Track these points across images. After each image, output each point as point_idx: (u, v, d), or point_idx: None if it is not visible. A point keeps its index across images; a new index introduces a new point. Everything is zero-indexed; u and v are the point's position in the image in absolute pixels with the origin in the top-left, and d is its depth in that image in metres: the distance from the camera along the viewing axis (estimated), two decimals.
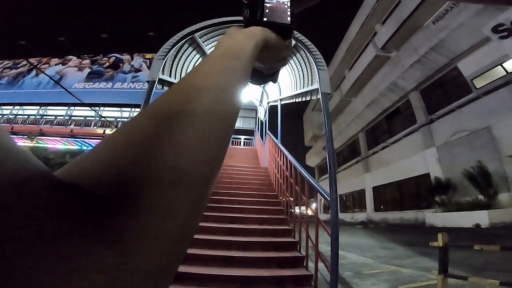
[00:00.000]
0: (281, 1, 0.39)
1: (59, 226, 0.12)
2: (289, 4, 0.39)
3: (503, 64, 10.44)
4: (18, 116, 20.63)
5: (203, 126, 0.19)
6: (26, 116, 20.47)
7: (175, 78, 4.70)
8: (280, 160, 5.20)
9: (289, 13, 0.38)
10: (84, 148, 17.78)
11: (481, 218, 9.02)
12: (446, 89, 13.30)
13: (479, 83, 11.36)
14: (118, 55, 23.09)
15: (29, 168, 0.13)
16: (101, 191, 0.14)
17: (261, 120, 10.91)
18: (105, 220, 0.13)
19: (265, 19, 0.37)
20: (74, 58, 23.57)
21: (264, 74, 0.43)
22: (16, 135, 15.85)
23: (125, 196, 0.14)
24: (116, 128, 0.17)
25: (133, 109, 18.82)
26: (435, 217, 11.42)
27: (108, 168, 0.15)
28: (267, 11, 0.38)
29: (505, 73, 10.37)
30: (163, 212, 0.15)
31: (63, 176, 0.15)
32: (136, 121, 0.19)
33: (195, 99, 0.21)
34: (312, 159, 31.99)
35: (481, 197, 9.73)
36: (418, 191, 14.31)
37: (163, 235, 0.15)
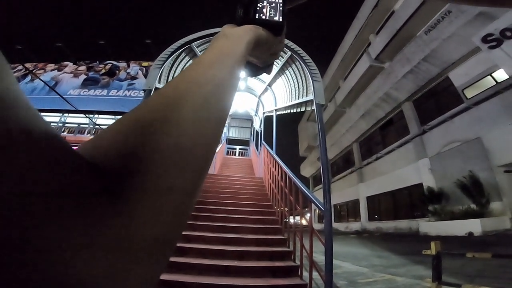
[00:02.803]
0: (273, 0, 0.41)
1: (78, 197, 0.13)
2: (281, 2, 0.41)
3: (493, 74, 10.59)
4: None
5: (201, 113, 0.22)
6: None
7: None
8: (275, 170, 5.23)
9: (281, 10, 0.40)
10: None
11: (474, 226, 9.09)
12: (438, 100, 13.51)
13: (470, 93, 11.54)
14: (114, 62, 23.00)
15: (60, 145, 0.14)
16: (113, 168, 0.16)
17: (256, 130, 10.96)
18: (117, 193, 0.15)
19: (258, 17, 0.39)
20: (70, 64, 23.31)
21: (258, 66, 0.45)
22: None
23: (134, 172, 0.16)
24: (126, 113, 0.20)
25: None
26: (428, 226, 11.47)
27: (119, 148, 0.17)
28: (259, 9, 0.40)
29: (495, 83, 10.53)
30: (167, 190, 0.17)
31: (83, 153, 0.17)
32: (143, 107, 0.21)
33: (194, 90, 0.23)
34: (307, 169, 32.06)
35: (473, 206, 9.82)
36: (412, 201, 14.39)
37: (166, 211, 0.17)
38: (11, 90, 0.12)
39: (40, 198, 0.11)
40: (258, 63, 0.44)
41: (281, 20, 0.40)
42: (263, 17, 0.39)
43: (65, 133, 18.72)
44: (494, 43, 9.03)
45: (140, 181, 0.16)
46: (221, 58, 0.30)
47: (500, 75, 10.21)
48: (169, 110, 0.20)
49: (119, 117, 0.19)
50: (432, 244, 2.95)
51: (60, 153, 0.14)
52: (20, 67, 22.32)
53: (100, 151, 0.17)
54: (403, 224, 14.38)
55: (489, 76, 10.77)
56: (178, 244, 3.32)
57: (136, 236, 0.15)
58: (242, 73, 0.37)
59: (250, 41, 0.35)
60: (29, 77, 22.02)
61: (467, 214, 9.73)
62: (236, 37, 0.35)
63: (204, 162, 0.21)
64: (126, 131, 0.18)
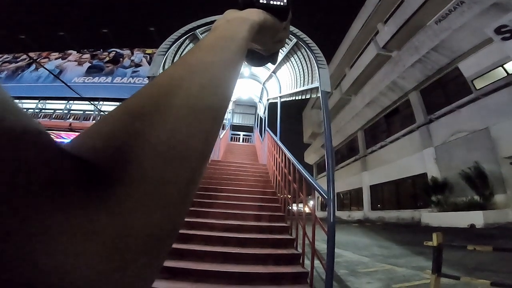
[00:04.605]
0: None
1: (61, 193, 0.12)
2: None
3: (504, 66, 10.39)
4: None
5: (197, 101, 0.21)
6: (25, 110, 20.22)
7: None
8: (279, 157, 5.22)
9: None
10: None
11: (476, 218, 9.07)
12: (446, 90, 13.27)
13: (479, 84, 11.34)
14: (118, 50, 22.93)
15: (38, 135, 0.13)
16: (101, 162, 0.15)
17: (260, 117, 10.92)
18: (101, 184, 0.14)
19: (261, 1, 0.38)
20: (74, 52, 23.34)
21: (263, 56, 0.44)
22: None
23: (122, 167, 0.15)
24: (119, 104, 0.19)
25: None
26: (430, 217, 11.48)
27: (107, 140, 0.16)
28: None
29: (506, 75, 10.35)
30: (157, 183, 0.16)
31: (69, 148, 0.16)
32: (136, 96, 0.20)
33: (189, 76, 0.22)
34: (311, 157, 32.01)
35: (477, 197, 9.78)
36: (415, 191, 14.35)
37: (157, 205, 0.16)
38: None
39: (6, 188, 0.11)
40: (262, 51, 0.42)
41: (286, 4, 0.38)
42: (267, 1, 0.38)
43: (70, 119, 18.89)
44: (507, 35, 8.82)
45: (126, 173, 0.15)
46: (222, 42, 0.28)
47: None
48: (161, 98, 0.19)
49: None
50: (434, 236, 2.95)
51: (38, 145, 0.13)
52: (24, 56, 22.34)
53: (88, 143, 0.17)
54: (405, 214, 14.40)
55: (500, 67, 10.56)
56: (181, 231, 3.36)
57: (124, 234, 0.14)
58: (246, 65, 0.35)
59: (253, 24, 0.34)
60: (33, 66, 22.06)
61: (470, 206, 9.69)
62: (238, 20, 0.33)
63: (201, 153, 0.20)
64: (115, 122, 0.18)
